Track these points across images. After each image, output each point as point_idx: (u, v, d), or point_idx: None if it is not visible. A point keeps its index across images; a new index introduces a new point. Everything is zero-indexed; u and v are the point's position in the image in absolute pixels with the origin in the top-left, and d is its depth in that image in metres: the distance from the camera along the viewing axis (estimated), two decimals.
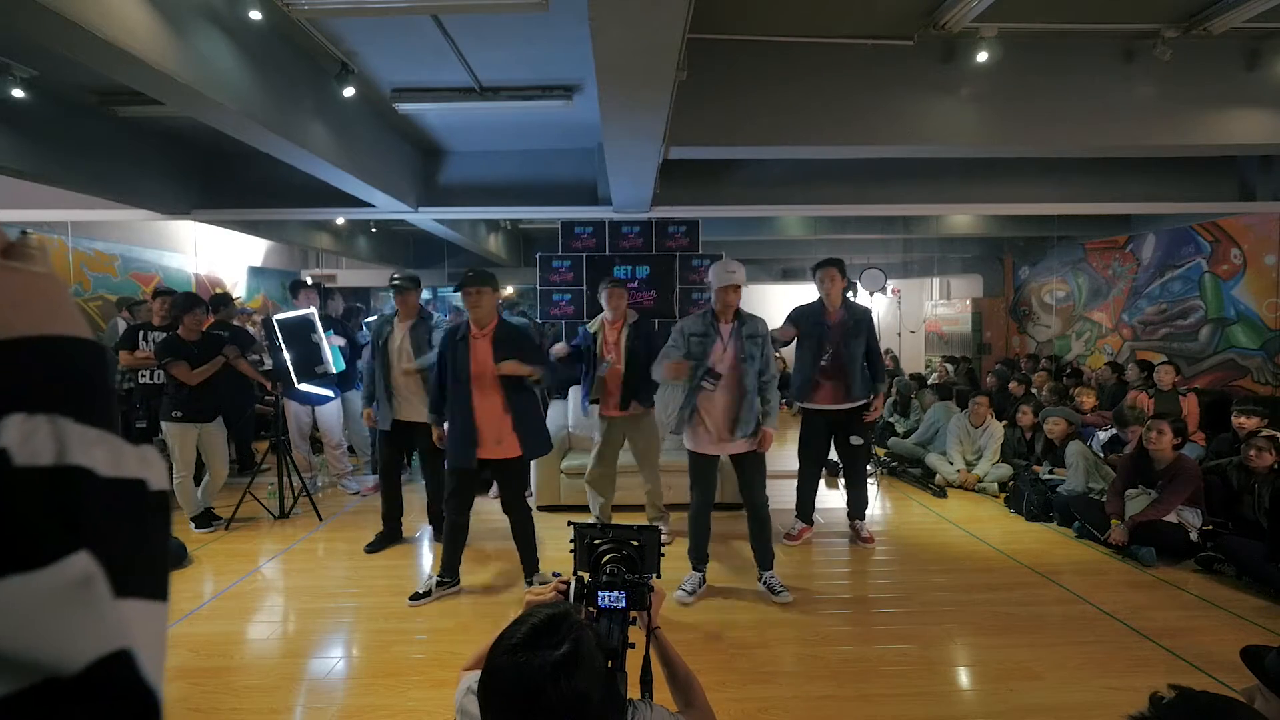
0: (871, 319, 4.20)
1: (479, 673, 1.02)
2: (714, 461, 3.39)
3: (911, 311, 11.61)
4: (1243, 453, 3.85)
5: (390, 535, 4.18)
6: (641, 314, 4.35)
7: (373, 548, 4.08)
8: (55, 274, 0.43)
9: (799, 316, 4.08)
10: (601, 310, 4.15)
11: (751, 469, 3.34)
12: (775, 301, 11.46)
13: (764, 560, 3.42)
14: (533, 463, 4.77)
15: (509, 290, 12.29)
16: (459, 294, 3.30)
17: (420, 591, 3.31)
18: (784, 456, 5.28)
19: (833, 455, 4.33)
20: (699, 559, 3.42)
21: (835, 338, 3.95)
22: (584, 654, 0.98)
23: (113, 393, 0.43)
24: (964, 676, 2.69)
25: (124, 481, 0.37)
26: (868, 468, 5.87)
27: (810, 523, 4.22)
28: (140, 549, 0.38)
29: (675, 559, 3.40)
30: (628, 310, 4.10)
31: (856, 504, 4.22)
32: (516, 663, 0.96)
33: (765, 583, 3.38)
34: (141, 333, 4.86)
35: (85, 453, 0.35)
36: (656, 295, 5.72)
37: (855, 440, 4.07)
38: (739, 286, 3.25)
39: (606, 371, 3.99)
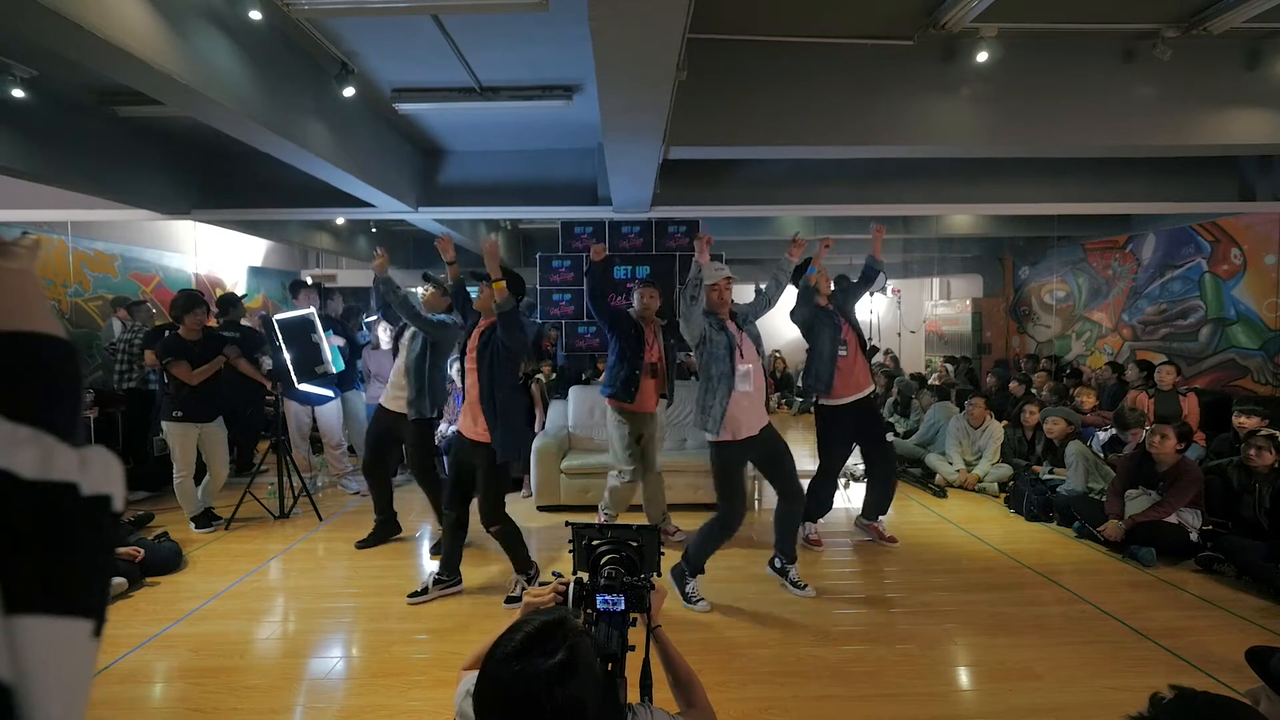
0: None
1: (478, 673, 1.02)
2: (746, 462, 3.34)
3: (911, 311, 11.62)
4: (1242, 452, 3.84)
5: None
6: (664, 319, 4.31)
7: (364, 544, 4.13)
8: (30, 270, 0.42)
9: (814, 311, 3.98)
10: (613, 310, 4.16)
11: (785, 454, 3.35)
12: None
13: (791, 551, 3.43)
14: (533, 463, 4.79)
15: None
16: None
17: (418, 590, 3.32)
18: (797, 456, 5.25)
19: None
20: (700, 569, 3.37)
21: (843, 323, 3.96)
22: (579, 662, 0.97)
23: (78, 392, 0.42)
24: (964, 676, 2.69)
25: (49, 485, 0.35)
26: (860, 464, 5.91)
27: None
28: (54, 558, 0.35)
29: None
30: (655, 316, 4.11)
31: (883, 502, 4.19)
32: (511, 671, 0.95)
33: (791, 578, 3.40)
34: (166, 332, 4.86)
35: (6, 453, 0.34)
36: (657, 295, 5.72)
37: (889, 436, 4.08)
38: (730, 278, 3.29)
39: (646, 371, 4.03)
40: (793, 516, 3.41)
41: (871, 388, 4.07)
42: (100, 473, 0.38)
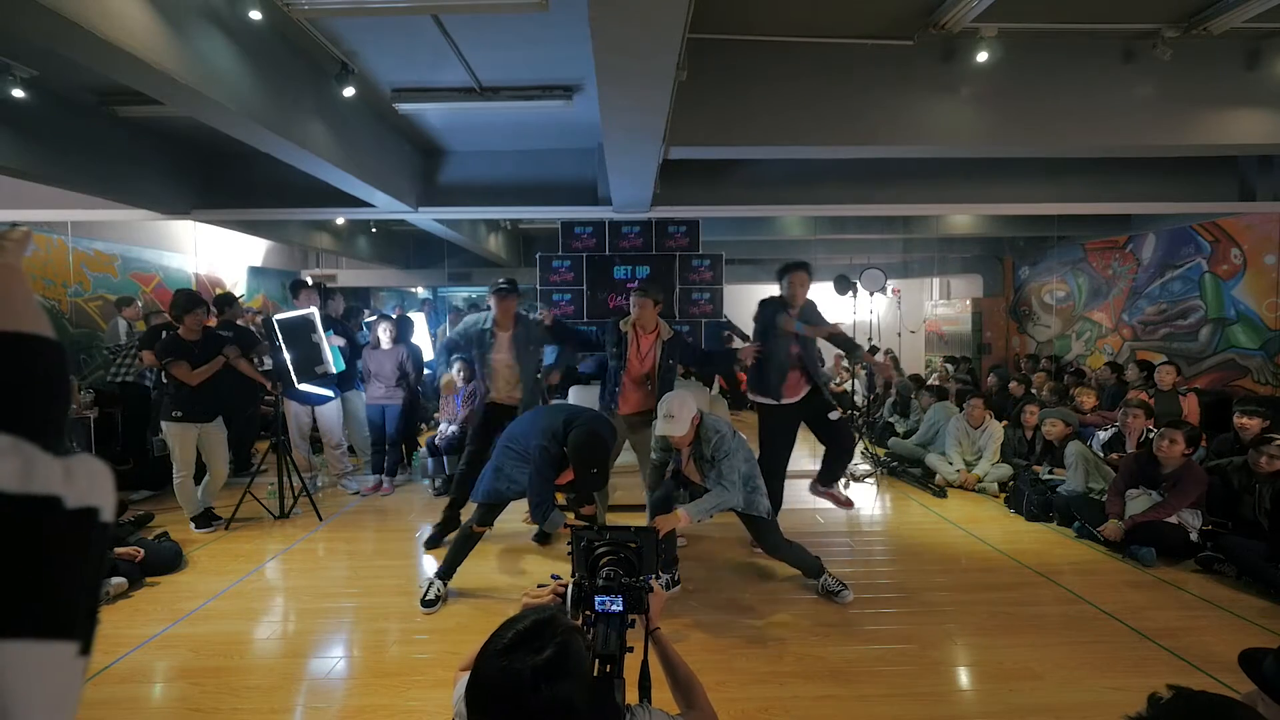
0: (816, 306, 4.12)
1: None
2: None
3: (911, 311, 11.59)
4: (1251, 458, 3.81)
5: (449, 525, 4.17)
6: (672, 330, 4.20)
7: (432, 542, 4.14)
8: (16, 265, 0.39)
9: (767, 323, 3.95)
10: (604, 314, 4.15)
11: (762, 530, 3.31)
12: None
13: (811, 573, 3.38)
14: None
15: None
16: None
17: (431, 599, 3.25)
18: (796, 457, 5.24)
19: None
20: (666, 564, 3.38)
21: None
22: (569, 659, 0.97)
23: (66, 396, 0.40)
24: (964, 676, 2.69)
25: (30, 499, 0.33)
26: (866, 466, 5.89)
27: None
28: (36, 578, 0.33)
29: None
30: (661, 323, 4.02)
31: (837, 469, 4.10)
32: (500, 667, 0.95)
33: (823, 587, 3.36)
34: (164, 333, 4.87)
35: None
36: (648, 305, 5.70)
37: (833, 415, 3.97)
38: (679, 436, 3.12)
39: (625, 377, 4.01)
40: (794, 563, 3.36)
41: (810, 388, 3.98)
42: (87, 483, 0.36)
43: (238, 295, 8.26)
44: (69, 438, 0.37)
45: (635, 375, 4.00)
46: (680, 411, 3.08)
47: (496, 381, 4.18)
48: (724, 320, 6.96)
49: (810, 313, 4.00)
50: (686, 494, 3.34)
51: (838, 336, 4.04)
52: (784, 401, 3.91)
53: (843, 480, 5.60)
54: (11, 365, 0.37)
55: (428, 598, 3.24)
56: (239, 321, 5.72)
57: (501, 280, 4.18)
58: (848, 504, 4.16)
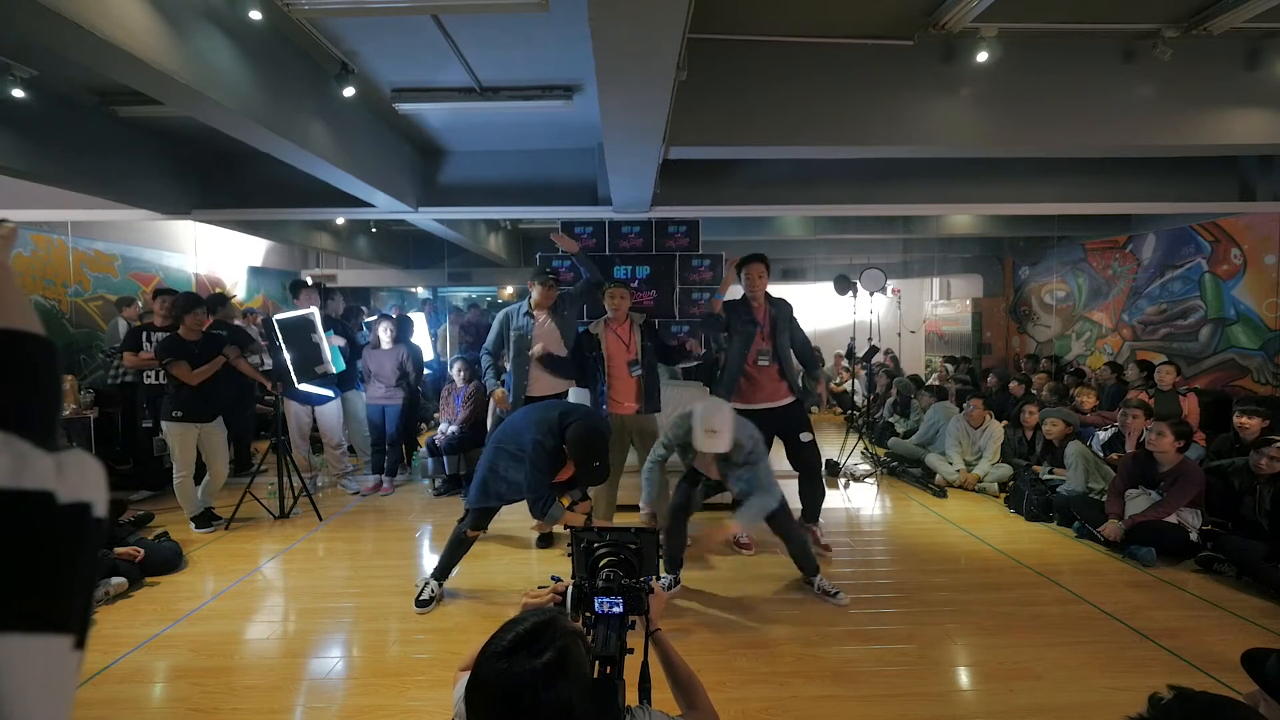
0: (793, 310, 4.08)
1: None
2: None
3: (911, 311, 11.60)
4: (1252, 459, 3.80)
5: None
6: (643, 314, 4.27)
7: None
8: (3, 262, 0.40)
9: (728, 314, 3.96)
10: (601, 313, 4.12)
11: (775, 516, 3.26)
12: None
13: (808, 569, 3.38)
14: None
15: (509, 290, 12.28)
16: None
17: (426, 599, 3.25)
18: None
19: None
20: (673, 564, 3.38)
21: (766, 333, 3.90)
22: (568, 662, 0.97)
23: (57, 393, 0.40)
24: (964, 676, 2.69)
25: (22, 494, 0.34)
26: (866, 466, 5.89)
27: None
28: (29, 572, 0.33)
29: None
30: (631, 312, 4.06)
31: (813, 507, 4.05)
32: (498, 670, 0.95)
33: (819, 587, 3.34)
34: (145, 333, 4.87)
35: None
36: (657, 295, 5.71)
37: (805, 437, 3.88)
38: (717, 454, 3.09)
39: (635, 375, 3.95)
40: (793, 549, 3.36)
41: (790, 399, 3.93)
42: (79, 479, 0.37)
43: (233, 295, 8.27)
44: (62, 435, 0.38)
45: (620, 361, 3.92)
46: (723, 426, 2.99)
47: (535, 370, 4.01)
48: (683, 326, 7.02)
49: (781, 313, 3.97)
50: (700, 492, 3.34)
51: (800, 345, 4.04)
52: (757, 407, 3.83)
53: (842, 482, 5.63)
54: (3, 362, 0.37)
55: (422, 598, 3.24)
56: (236, 322, 5.72)
57: (548, 270, 4.25)
58: (825, 549, 3.99)
